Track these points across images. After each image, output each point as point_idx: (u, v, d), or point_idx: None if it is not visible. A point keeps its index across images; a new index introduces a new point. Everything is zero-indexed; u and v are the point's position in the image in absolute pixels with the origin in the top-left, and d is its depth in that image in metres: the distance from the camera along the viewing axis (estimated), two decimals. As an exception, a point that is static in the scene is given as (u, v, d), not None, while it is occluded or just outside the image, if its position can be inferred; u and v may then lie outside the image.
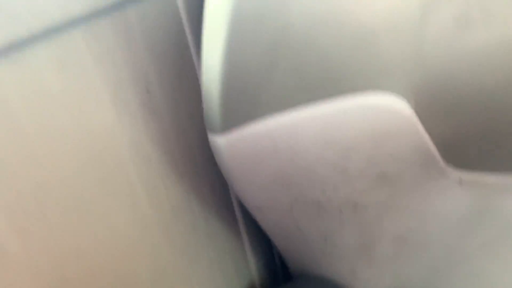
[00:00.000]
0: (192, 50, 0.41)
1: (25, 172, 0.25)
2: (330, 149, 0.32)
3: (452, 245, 0.38)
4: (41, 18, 0.26)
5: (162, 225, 0.37)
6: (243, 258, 0.50)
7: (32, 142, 0.26)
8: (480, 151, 0.33)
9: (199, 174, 0.41)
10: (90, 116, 0.30)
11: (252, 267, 0.51)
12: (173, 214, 0.38)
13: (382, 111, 0.30)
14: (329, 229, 0.39)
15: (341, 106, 0.30)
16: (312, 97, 0.30)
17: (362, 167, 0.33)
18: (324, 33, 0.27)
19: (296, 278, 0.49)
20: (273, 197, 0.38)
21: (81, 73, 0.29)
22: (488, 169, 0.33)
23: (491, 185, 0.35)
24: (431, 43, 0.27)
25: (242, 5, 0.27)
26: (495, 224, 0.36)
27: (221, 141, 0.33)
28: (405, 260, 0.40)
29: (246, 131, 0.33)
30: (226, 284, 0.46)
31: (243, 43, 0.29)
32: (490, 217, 0.36)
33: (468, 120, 0.30)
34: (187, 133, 0.40)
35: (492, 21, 0.26)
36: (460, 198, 0.36)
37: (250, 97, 0.31)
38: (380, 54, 0.28)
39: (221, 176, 0.39)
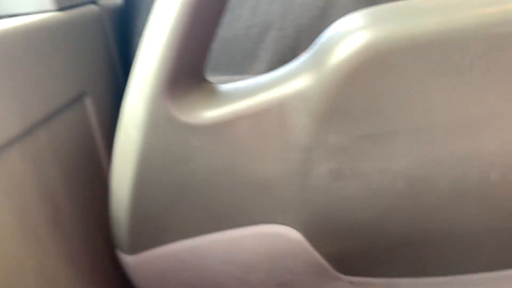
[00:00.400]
0: (103, 161, 0.41)
1: None
2: (233, 265, 0.35)
3: None
4: None
5: None
6: None
7: None
8: (361, 263, 0.38)
9: (106, 283, 0.41)
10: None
11: None
12: None
13: (277, 237, 0.34)
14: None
15: (241, 233, 0.34)
16: (215, 228, 0.33)
17: (263, 279, 0.36)
18: (225, 180, 0.31)
19: None
20: None
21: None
22: (371, 275, 0.39)
23: (377, 284, 0.40)
24: (312, 189, 0.32)
25: (150, 150, 0.30)
26: None
27: (130, 260, 0.34)
28: None
29: (154, 253, 0.34)
30: None
31: (150, 182, 0.31)
32: None
33: (348, 242, 0.35)
34: (95, 244, 0.40)
35: (359, 176, 0.32)
36: None
37: (157, 226, 0.33)
38: (272, 197, 0.32)
39: (129, 284, 0.40)
